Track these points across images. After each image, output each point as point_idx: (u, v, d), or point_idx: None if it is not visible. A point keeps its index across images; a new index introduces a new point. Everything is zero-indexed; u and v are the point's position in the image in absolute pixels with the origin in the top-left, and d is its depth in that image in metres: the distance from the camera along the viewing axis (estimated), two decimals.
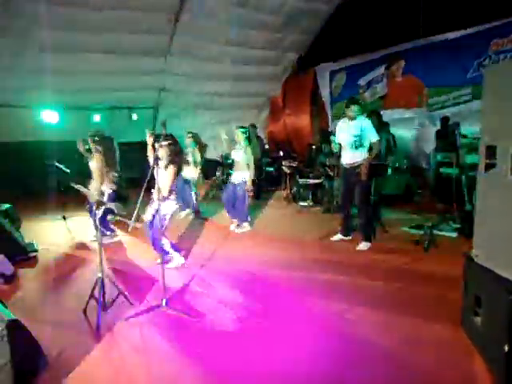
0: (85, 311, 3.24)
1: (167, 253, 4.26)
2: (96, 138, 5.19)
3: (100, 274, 3.19)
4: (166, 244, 4.20)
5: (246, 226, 5.91)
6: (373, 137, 4.66)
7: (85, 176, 5.37)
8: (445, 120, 7.54)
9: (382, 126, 5.67)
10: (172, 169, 3.99)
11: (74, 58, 7.98)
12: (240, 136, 5.67)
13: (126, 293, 3.39)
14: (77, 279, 4.08)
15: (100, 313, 3.07)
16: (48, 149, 7.88)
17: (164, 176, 3.99)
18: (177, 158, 4.04)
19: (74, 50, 7.83)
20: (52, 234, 5.95)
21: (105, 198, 5.05)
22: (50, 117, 8.62)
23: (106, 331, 2.97)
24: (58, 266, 4.54)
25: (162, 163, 3.97)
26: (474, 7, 6.99)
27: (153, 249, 4.27)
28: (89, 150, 5.39)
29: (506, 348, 2.15)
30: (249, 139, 5.74)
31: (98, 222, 3.15)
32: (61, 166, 6.67)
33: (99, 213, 3.13)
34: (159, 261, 4.20)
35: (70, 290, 3.82)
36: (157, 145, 3.66)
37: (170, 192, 4.05)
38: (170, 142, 3.96)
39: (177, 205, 4.24)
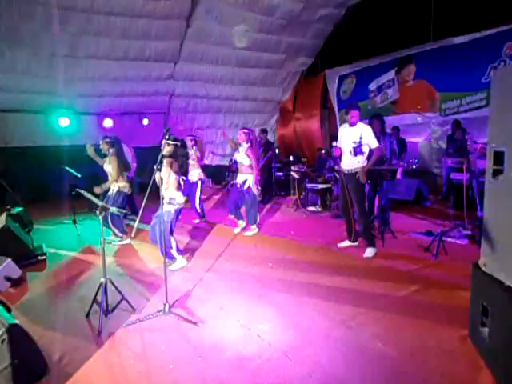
0: (88, 316, 3.26)
1: (172, 257, 4.26)
2: (108, 140, 5.33)
3: (103, 279, 3.20)
4: (171, 247, 4.21)
5: (254, 229, 5.89)
6: (372, 144, 4.60)
7: (96, 180, 5.45)
8: (456, 124, 7.42)
9: (384, 130, 5.58)
10: (175, 164, 4.02)
11: (86, 64, 8.11)
12: (242, 137, 5.64)
13: (128, 298, 3.39)
14: (83, 283, 4.10)
15: (102, 318, 3.07)
16: (60, 153, 8.02)
17: (168, 173, 4.03)
18: (181, 157, 4.06)
19: (85, 56, 7.95)
20: (62, 237, 6.01)
21: (113, 196, 5.20)
22: (63, 122, 8.76)
23: (107, 337, 2.97)
24: (66, 269, 4.58)
25: (165, 161, 4.01)
26: (486, 10, 6.89)
27: (160, 252, 4.27)
28: (103, 155, 5.50)
29: None
30: (251, 141, 5.69)
31: (102, 226, 3.16)
32: (71, 170, 6.77)
33: (102, 217, 3.12)
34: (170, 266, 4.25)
35: (76, 294, 3.84)
36: (163, 142, 3.69)
37: (177, 189, 4.08)
38: (176, 142, 3.99)
39: (181, 204, 4.23)
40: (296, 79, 11.71)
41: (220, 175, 11.07)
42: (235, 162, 9.25)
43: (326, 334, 2.95)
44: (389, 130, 6.77)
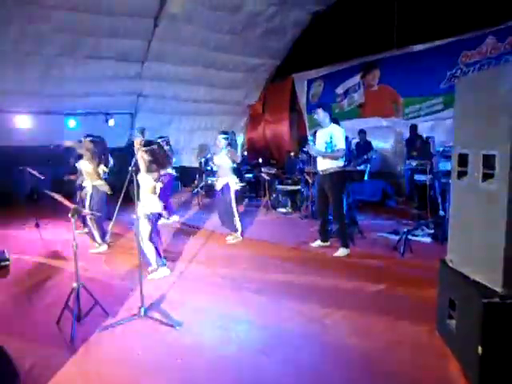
0: (58, 323, 3.14)
1: (149, 262, 4.17)
2: (92, 139, 5.17)
3: (75, 284, 3.10)
4: (149, 252, 4.11)
5: (236, 237, 5.64)
6: (338, 145, 4.72)
7: (58, 182, 5.27)
8: (413, 128, 7.83)
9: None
10: (156, 170, 3.98)
11: (49, 62, 7.80)
12: (222, 141, 5.61)
13: (102, 303, 3.30)
14: (50, 289, 3.95)
15: (75, 324, 2.98)
16: (20, 154, 7.67)
17: (147, 179, 3.96)
18: (159, 160, 4.02)
19: (48, 54, 7.65)
20: (24, 242, 5.74)
21: (88, 195, 5.06)
22: (23, 122, 8.39)
23: (80, 343, 2.88)
24: (31, 275, 4.39)
25: (142, 167, 3.94)
26: (445, 20, 7.28)
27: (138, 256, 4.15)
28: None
29: (480, 350, 2.21)
30: (230, 145, 5.68)
31: (74, 229, 3.07)
32: (34, 172, 6.49)
33: (74, 219, 3.03)
34: (150, 270, 4.15)
35: (43, 300, 3.69)
36: (136, 148, 3.64)
37: (155, 194, 4.02)
38: (150, 147, 3.93)
39: (161, 209, 4.17)
40: (264, 82, 11.81)
41: (187, 178, 10.95)
42: (206, 163, 9.26)
43: (303, 332, 3.02)
44: (349, 134, 6.97)
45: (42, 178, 6.53)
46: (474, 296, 2.35)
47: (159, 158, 3.94)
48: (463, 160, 2.54)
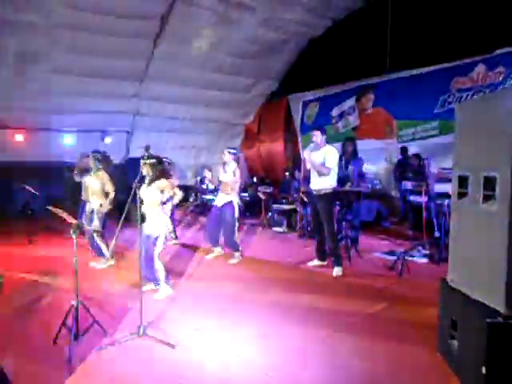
0: (55, 342, 3.07)
1: (157, 280, 4.11)
2: (99, 157, 5.19)
3: (73, 302, 3.05)
4: (159, 271, 4.06)
5: (238, 257, 5.52)
6: (329, 164, 4.75)
7: (51, 199, 5.25)
8: (403, 150, 8.01)
9: (356, 154, 5.91)
10: (163, 182, 3.97)
11: (48, 80, 7.86)
12: (228, 157, 5.50)
13: (99, 321, 3.24)
14: (45, 307, 3.87)
15: (72, 343, 2.91)
16: (15, 171, 7.63)
17: (151, 192, 3.95)
18: (163, 175, 4.03)
19: (48, 72, 7.72)
20: (17, 259, 5.64)
21: (94, 216, 5.05)
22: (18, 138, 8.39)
23: (78, 363, 2.81)
24: (25, 293, 4.30)
25: (146, 180, 3.95)
26: (436, 47, 7.54)
27: (142, 275, 4.06)
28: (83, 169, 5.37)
29: (484, 370, 2.22)
30: (237, 162, 5.63)
31: (75, 245, 3.04)
32: (30, 189, 6.44)
33: (75, 235, 3.01)
34: (145, 287, 4.04)
35: (38, 318, 3.61)
36: (141, 162, 3.65)
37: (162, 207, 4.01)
38: (154, 160, 3.96)
39: (168, 226, 4.16)
40: (260, 103, 12.01)
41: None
42: (202, 181, 9.27)
43: (304, 352, 2.99)
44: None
45: (37, 194, 6.49)
46: (476, 316, 2.37)
47: (161, 171, 3.99)
48: (463, 181, 2.60)
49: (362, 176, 7.00)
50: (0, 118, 8.06)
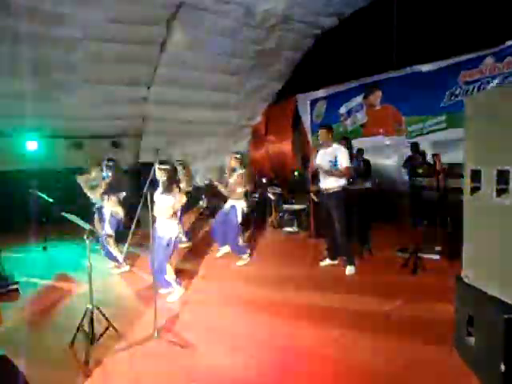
0: (71, 345, 3.11)
1: (169, 284, 4.15)
2: (110, 164, 5.31)
3: (89, 305, 3.09)
4: (170, 274, 4.11)
5: (245, 259, 5.57)
6: (343, 163, 4.76)
7: (67, 204, 5.30)
8: (414, 146, 7.90)
9: (351, 153, 5.90)
10: (179, 190, 4.01)
11: (59, 87, 7.97)
12: (234, 162, 5.52)
13: (114, 325, 3.27)
14: (60, 312, 3.93)
15: (89, 347, 2.95)
16: (28, 178, 7.73)
17: (164, 200, 3.98)
18: (176, 181, 4.07)
19: (58, 79, 7.83)
20: (33, 265, 5.73)
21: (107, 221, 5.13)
22: (31, 145, 8.52)
23: (94, 366, 2.85)
24: (40, 298, 4.37)
25: (162, 185, 3.99)
26: (443, 41, 7.46)
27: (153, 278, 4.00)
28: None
29: (503, 367, 2.19)
30: (244, 165, 5.61)
31: (88, 251, 3.08)
32: (43, 195, 6.52)
33: (88, 241, 3.05)
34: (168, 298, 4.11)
35: (55, 323, 3.67)
36: (156, 167, 3.68)
37: (175, 214, 4.03)
38: (169, 167, 3.98)
39: (179, 231, 4.19)
40: (267, 103, 12.01)
41: (192, 199, 10.97)
42: (211, 186, 9.28)
43: (318, 352, 2.98)
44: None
45: (51, 201, 6.56)
46: (494, 312, 2.34)
47: (174, 178, 4.01)
48: (476, 176, 2.57)
49: (364, 174, 6.97)
50: None
